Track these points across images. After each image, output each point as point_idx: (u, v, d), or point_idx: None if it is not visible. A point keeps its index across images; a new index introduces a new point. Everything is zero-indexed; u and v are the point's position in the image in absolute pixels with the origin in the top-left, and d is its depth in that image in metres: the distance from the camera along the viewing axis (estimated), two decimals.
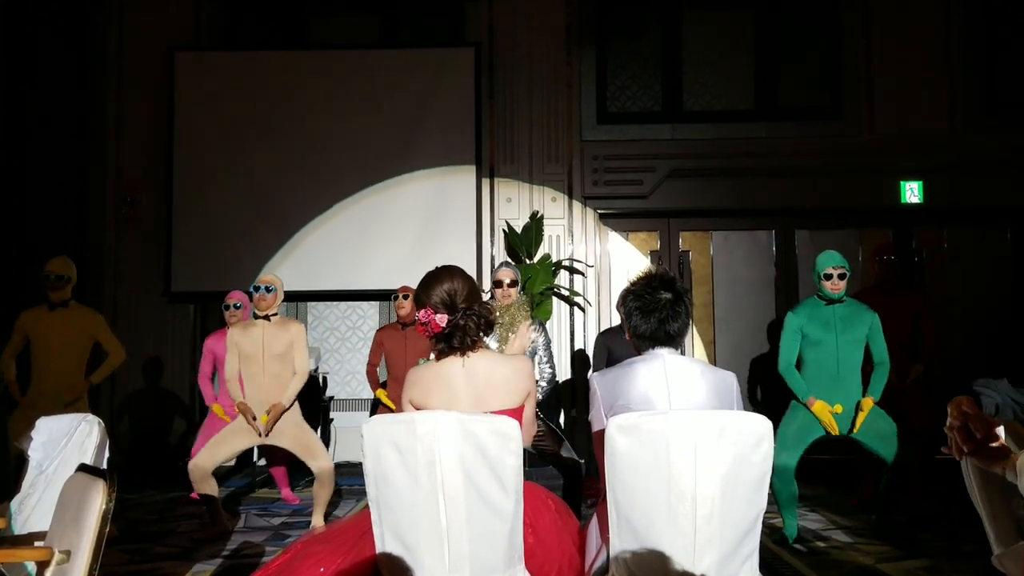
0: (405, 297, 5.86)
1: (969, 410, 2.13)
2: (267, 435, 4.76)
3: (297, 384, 4.81)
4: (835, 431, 4.42)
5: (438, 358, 2.59)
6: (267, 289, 4.76)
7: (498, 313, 4.65)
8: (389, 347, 5.88)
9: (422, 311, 2.55)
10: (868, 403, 4.39)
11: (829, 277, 4.48)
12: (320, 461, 4.77)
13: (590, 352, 6.60)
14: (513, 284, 4.69)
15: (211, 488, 4.69)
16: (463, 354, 2.55)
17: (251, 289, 4.88)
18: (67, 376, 5.21)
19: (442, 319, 2.52)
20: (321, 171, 7.64)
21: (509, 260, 5.10)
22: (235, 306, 5.76)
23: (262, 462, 7.01)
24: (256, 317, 4.83)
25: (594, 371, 5.01)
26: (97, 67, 7.98)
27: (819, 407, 4.41)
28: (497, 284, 4.73)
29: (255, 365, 4.71)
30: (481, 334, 2.59)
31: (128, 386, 7.62)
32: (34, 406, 4.91)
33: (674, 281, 2.65)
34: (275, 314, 4.83)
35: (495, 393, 2.53)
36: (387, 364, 5.93)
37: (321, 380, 7.31)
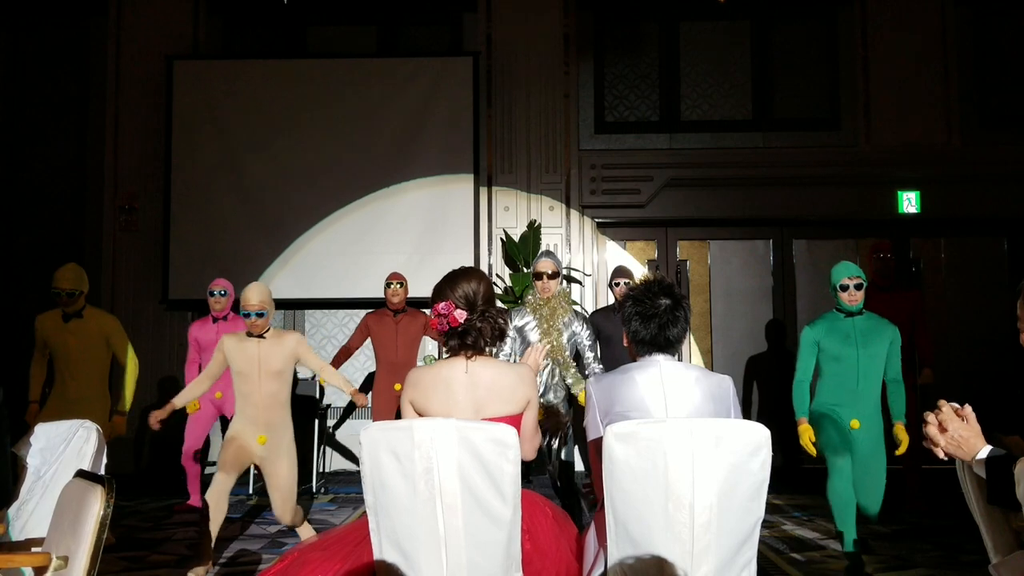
0: (400, 284, 5.84)
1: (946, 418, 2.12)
2: (264, 456, 4.33)
3: (330, 373, 4.56)
4: (813, 453, 4.28)
5: (450, 355, 2.60)
6: (258, 315, 4.28)
7: (538, 305, 4.58)
8: (378, 332, 5.83)
9: (443, 303, 2.55)
10: (901, 430, 4.24)
11: (845, 288, 4.30)
12: (280, 512, 4.31)
13: None
14: (554, 276, 4.55)
15: (219, 515, 4.20)
16: (469, 357, 2.56)
17: (241, 315, 4.38)
18: (89, 384, 5.01)
19: (460, 315, 2.53)
20: (319, 179, 7.65)
21: (550, 250, 5.04)
22: (220, 293, 5.70)
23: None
24: (250, 336, 4.38)
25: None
26: (96, 75, 8.01)
27: (803, 429, 4.27)
28: (537, 276, 4.59)
29: (250, 384, 4.30)
30: (492, 341, 2.59)
31: None
32: (63, 415, 4.75)
33: (673, 287, 2.66)
34: (268, 330, 4.39)
35: (495, 400, 2.53)
36: (375, 350, 5.89)
37: (318, 388, 7.29)
